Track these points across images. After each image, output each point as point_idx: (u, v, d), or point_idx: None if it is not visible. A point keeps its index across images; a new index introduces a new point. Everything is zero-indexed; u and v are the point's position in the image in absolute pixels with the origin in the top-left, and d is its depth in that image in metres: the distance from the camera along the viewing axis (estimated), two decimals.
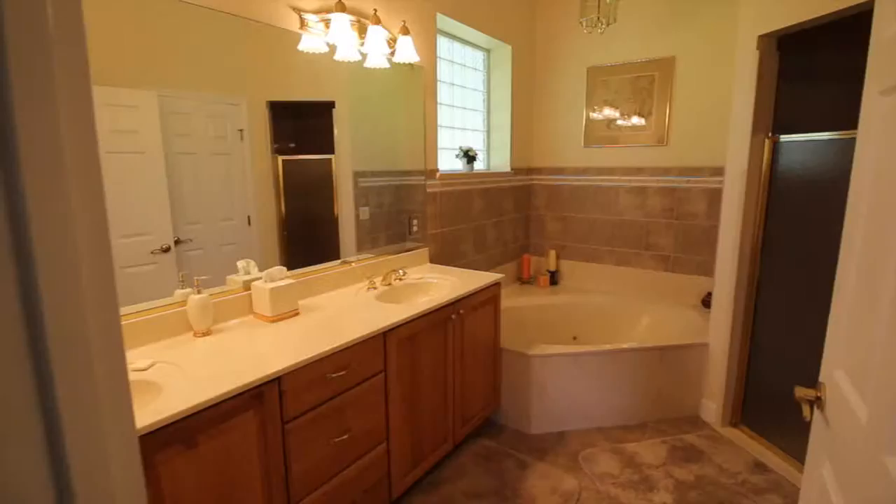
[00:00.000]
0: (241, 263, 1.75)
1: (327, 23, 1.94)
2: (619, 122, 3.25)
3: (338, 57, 2.03)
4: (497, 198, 3.29)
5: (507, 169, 3.38)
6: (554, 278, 3.59)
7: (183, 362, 1.31)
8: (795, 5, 1.94)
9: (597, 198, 3.41)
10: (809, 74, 2.13)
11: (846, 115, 1.94)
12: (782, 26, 2.02)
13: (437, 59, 2.79)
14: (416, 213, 2.55)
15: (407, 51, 2.18)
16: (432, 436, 1.98)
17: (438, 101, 2.87)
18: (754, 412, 2.40)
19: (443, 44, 2.95)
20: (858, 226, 0.95)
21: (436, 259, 2.70)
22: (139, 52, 1.42)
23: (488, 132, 3.46)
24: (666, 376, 2.53)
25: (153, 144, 1.49)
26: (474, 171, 3.07)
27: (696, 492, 1.98)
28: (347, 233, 2.23)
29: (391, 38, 2.25)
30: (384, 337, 1.63)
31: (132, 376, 1.24)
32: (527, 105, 3.53)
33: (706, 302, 2.94)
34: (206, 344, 1.46)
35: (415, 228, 2.53)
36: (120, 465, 0.39)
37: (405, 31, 2.19)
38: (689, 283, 3.11)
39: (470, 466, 2.16)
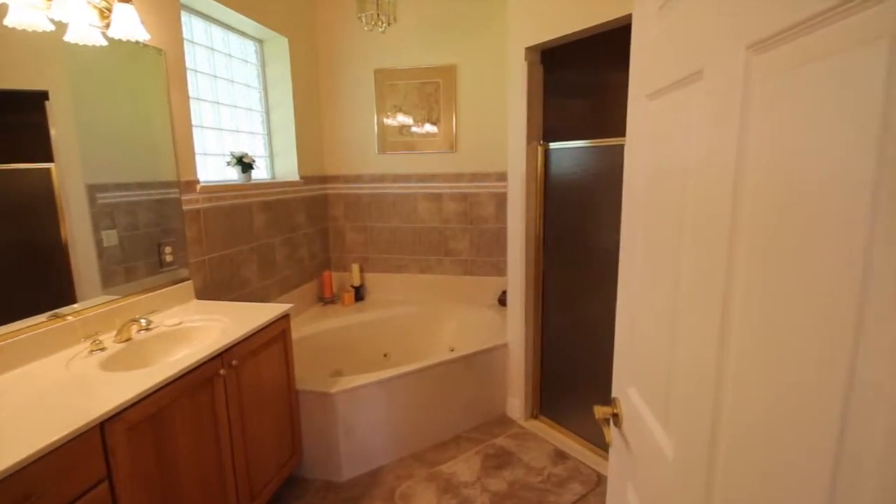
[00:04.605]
0: None
1: None
2: (413, 128, 3.17)
3: (10, 22, 1.38)
4: (285, 211, 2.87)
5: (296, 177, 2.99)
6: (359, 294, 3.34)
7: None
8: (554, 21, 2.08)
9: (396, 205, 3.29)
10: (569, 88, 2.32)
11: (597, 125, 2.18)
12: (544, 40, 2.15)
13: (189, 43, 2.25)
14: (172, 236, 1.99)
15: (128, 24, 1.63)
16: None
17: (196, 95, 2.33)
18: (550, 403, 2.56)
19: (198, 26, 2.40)
20: (635, 228, 0.92)
21: (205, 293, 2.16)
22: None
23: (269, 135, 3.01)
24: (474, 382, 2.52)
25: None
26: (252, 182, 2.60)
27: (511, 501, 1.97)
28: (86, 267, 1.62)
29: (105, 7, 1.67)
30: (102, 429, 1.12)
31: None
32: (313, 106, 3.18)
33: (502, 300, 3.08)
34: None
35: (167, 257, 1.95)
36: None
37: None
38: (487, 284, 3.22)
39: None
